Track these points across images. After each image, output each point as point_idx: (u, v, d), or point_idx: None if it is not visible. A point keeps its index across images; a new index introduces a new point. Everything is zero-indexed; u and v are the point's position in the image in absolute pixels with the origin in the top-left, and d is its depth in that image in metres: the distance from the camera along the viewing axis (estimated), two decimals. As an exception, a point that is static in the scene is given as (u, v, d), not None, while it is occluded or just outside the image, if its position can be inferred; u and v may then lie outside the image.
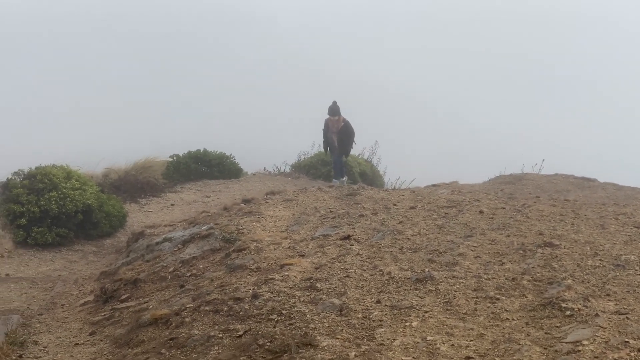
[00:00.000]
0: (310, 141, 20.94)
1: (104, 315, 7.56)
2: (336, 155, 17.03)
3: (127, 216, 13.59)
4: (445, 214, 8.96)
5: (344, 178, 16.99)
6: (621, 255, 6.50)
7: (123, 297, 7.92)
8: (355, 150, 20.95)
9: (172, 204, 14.94)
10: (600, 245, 6.96)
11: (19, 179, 12.53)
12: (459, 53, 51.08)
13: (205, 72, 45.80)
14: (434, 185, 13.98)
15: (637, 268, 6.10)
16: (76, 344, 6.83)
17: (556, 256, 6.56)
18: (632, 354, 4.26)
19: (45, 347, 6.79)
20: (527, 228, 7.90)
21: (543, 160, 17.74)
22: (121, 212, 13.35)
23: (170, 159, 17.76)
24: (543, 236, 7.40)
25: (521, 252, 6.85)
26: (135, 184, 15.62)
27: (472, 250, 7.03)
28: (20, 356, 6.46)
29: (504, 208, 9.24)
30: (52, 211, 11.95)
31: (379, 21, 54.76)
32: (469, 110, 42.85)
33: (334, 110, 16.36)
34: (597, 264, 6.29)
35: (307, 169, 19.55)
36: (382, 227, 8.36)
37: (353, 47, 51.31)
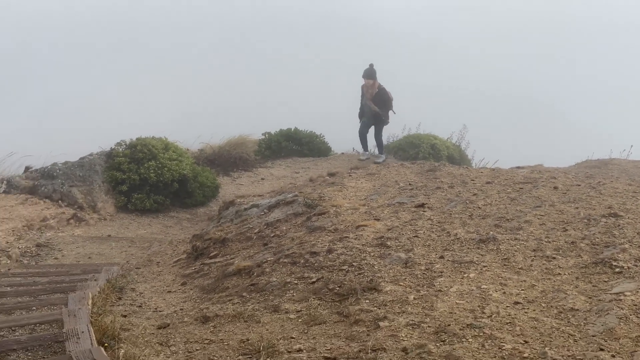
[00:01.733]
0: (401, 125, 21.30)
1: (194, 269, 8.26)
2: (365, 120, 16.05)
3: (220, 187, 14.40)
4: (520, 188, 9.25)
5: (384, 156, 16.37)
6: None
7: (212, 254, 8.60)
8: (444, 134, 21.23)
9: (262, 178, 15.67)
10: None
11: (121, 149, 13.51)
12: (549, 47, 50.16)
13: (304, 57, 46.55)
14: (517, 167, 14.16)
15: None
16: (168, 292, 7.54)
17: (619, 225, 6.82)
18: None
19: (141, 293, 7.52)
20: (598, 202, 8.13)
21: (631, 146, 17.57)
22: (214, 183, 14.16)
23: (263, 137, 18.53)
24: (611, 209, 7.64)
25: (586, 221, 7.14)
26: (229, 158, 16.44)
27: (538, 219, 7.37)
28: (119, 298, 7.21)
29: (579, 185, 9.45)
30: (151, 179, 12.85)
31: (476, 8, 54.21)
32: (562, 101, 42.10)
33: (369, 73, 15.19)
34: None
35: (395, 150, 19.92)
36: (456, 197, 8.76)
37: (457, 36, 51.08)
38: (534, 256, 6.11)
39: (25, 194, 12.50)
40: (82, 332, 5.05)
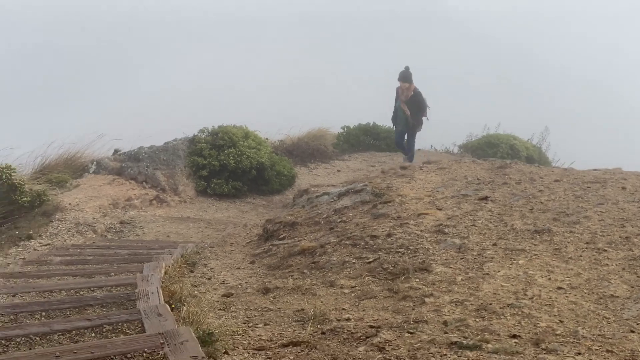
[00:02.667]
0: (482, 124, 21.36)
1: (264, 249, 8.69)
2: (400, 129, 14.94)
3: (296, 177, 14.86)
4: (587, 187, 9.33)
5: (407, 158, 14.93)
6: None
7: (281, 236, 9.02)
8: (524, 135, 21.16)
9: (338, 170, 16.07)
10: None
11: (203, 136, 14.15)
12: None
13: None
14: (593, 169, 14.09)
15: None
16: (237, 268, 7.99)
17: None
18: None
19: (212, 268, 7.99)
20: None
21: None
22: (291, 172, 14.63)
23: (342, 130, 18.92)
24: (676, 210, 7.70)
25: (646, 218, 7.24)
26: (307, 149, 16.91)
27: (598, 215, 7.50)
28: (191, 271, 7.70)
29: (651, 187, 9.46)
30: (230, 166, 13.41)
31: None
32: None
33: (405, 75, 14.30)
34: None
35: (473, 149, 20.00)
36: (521, 193, 8.93)
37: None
38: (586, 248, 6.28)
39: (112, 175, 13.25)
40: (152, 293, 5.53)
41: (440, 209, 8.14)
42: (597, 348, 4.11)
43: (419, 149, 18.93)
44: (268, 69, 42.86)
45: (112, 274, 6.80)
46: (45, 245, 9.48)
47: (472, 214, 7.79)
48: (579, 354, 4.02)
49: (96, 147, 14.42)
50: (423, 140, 20.15)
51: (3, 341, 4.37)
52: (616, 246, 6.28)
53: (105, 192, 12.41)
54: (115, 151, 14.44)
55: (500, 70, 43.94)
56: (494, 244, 6.53)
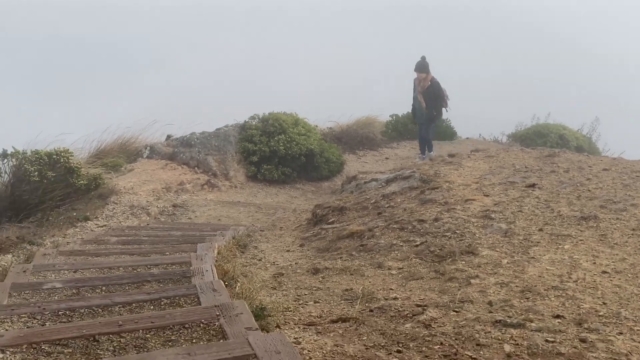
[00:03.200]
0: (530, 113, 21.26)
1: (313, 233, 8.89)
2: (422, 123, 14.64)
3: (345, 164, 15.04)
4: (636, 176, 9.30)
5: (432, 152, 14.47)
6: None
7: (330, 220, 9.21)
8: (574, 125, 20.99)
9: (386, 158, 16.21)
10: None
11: (254, 122, 14.42)
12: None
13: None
14: (645, 159, 13.97)
15: None
16: (287, 251, 8.20)
17: None
18: None
19: (262, 251, 8.22)
20: None
21: None
22: (339, 159, 14.81)
23: (390, 119, 19.03)
24: None
25: (694, 207, 7.25)
26: (355, 137, 17.07)
27: (646, 203, 7.52)
28: (242, 252, 7.95)
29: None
30: (280, 152, 13.66)
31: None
32: None
33: (421, 66, 13.90)
34: None
35: (522, 139, 19.91)
36: (569, 180, 8.96)
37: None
38: (632, 234, 6.35)
39: (165, 160, 13.60)
40: (206, 270, 5.77)
41: (487, 195, 8.24)
42: (638, 329, 4.22)
43: (467, 138, 18.97)
44: (319, 57, 43.10)
45: (167, 253, 7.07)
46: (102, 226, 9.83)
47: (519, 200, 7.88)
48: (621, 333, 4.13)
49: (149, 133, 14.83)
50: (471, 129, 20.19)
51: (68, 312, 4.64)
52: (663, 233, 6.33)
53: (159, 177, 12.75)
54: (168, 137, 14.81)
55: (548, 60, 43.40)
56: (540, 229, 6.63)
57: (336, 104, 23.69)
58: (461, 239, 6.53)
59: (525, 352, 3.87)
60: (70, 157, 11.32)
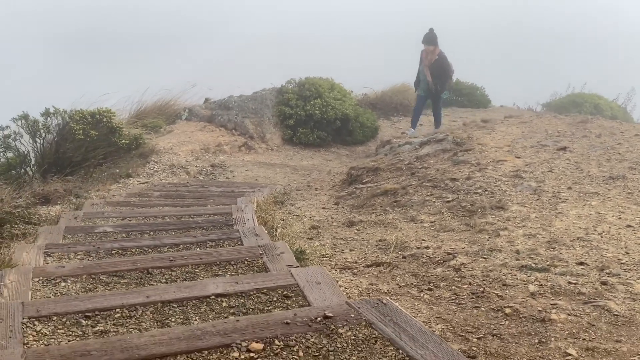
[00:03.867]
0: (565, 83, 21.24)
1: (347, 192, 9.16)
2: (422, 95, 14.21)
3: (379, 129, 15.25)
4: (668, 141, 9.45)
5: (441, 126, 14.04)
6: None
7: (364, 180, 9.47)
8: (610, 95, 20.95)
9: (420, 124, 16.33)
10: None
11: (290, 86, 14.68)
12: None
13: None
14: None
15: None
16: (322, 208, 8.49)
17: None
18: None
19: (299, 207, 8.52)
20: None
21: None
22: (374, 124, 15.03)
23: (425, 86, 19.18)
24: None
25: None
26: (390, 103, 17.26)
27: (674, 165, 7.69)
28: (280, 208, 8.26)
29: None
30: (315, 116, 13.90)
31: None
32: None
33: (429, 38, 13.52)
34: None
35: (556, 108, 19.91)
36: (600, 144, 9.12)
37: None
38: (659, 193, 6.54)
39: (204, 122, 13.94)
40: (248, 219, 6.11)
41: (518, 157, 8.44)
42: (658, 275, 4.45)
43: (501, 106, 19.04)
44: (353, 23, 43.23)
45: (209, 205, 7.40)
46: (143, 183, 10.19)
47: (549, 162, 8.07)
48: (641, 278, 4.37)
49: (188, 96, 15.17)
50: (506, 98, 20.25)
51: (120, 251, 5.00)
52: (689, 193, 6.51)
53: (197, 138, 13.09)
54: (206, 100, 15.13)
55: (586, 29, 42.96)
56: (569, 188, 6.85)
57: (371, 73, 23.76)
58: (492, 195, 6.77)
59: (549, 291, 4.13)
60: (112, 117, 11.72)
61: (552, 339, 3.47)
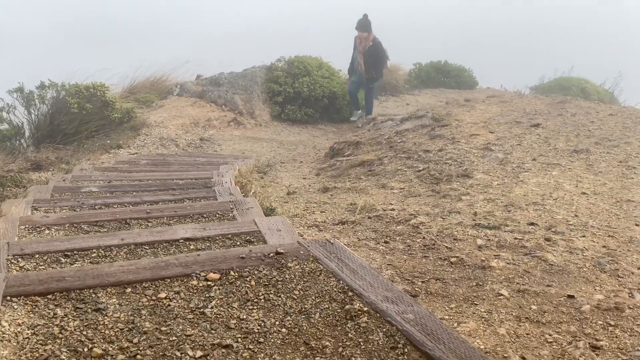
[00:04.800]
0: (553, 67, 21.55)
1: (329, 164, 9.50)
2: (355, 80, 14.01)
3: (365, 107, 15.57)
4: (637, 122, 9.78)
5: (371, 115, 13.91)
6: None
7: (346, 153, 9.81)
8: (597, 79, 21.26)
9: (407, 104, 16.66)
10: None
11: (280, 64, 14.95)
12: None
13: None
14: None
15: None
16: (303, 178, 8.83)
17: None
18: None
19: (281, 177, 8.85)
20: None
21: None
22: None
23: (414, 67, 19.47)
24: None
25: (683, 146, 7.75)
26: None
27: (638, 142, 8.03)
28: (262, 177, 8.60)
29: (702, 122, 9.84)
30: (304, 93, 14.19)
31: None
32: None
33: (363, 24, 13.31)
34: None
35: (544, 91, 20.19)
36: (572, 122, 9.47)
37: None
38: (617, 165, 6.89)
39: (194, 98, 14.23)
40: (226, 182, 6.45)
41: (492, 132, 8.78)
42: (600, 234, 4.81)
43: (488, 87, 19.33)
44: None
45: (192, 171, 7.74)
46: (133, 154, 10.51)
47: (520, 136, 8.42)
48: (583, 236, 4.73)
49: (180, 72, 15.45)
50: (493, 79, 20.56)
51: (103, 206, 5.34)
52: (646, 165, 6.87)
53: (187, 113, 13.40)
54: (198, 76, 15.42)
55: (579, 15, 43.32)
56: (534, 159, 7.20)
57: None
58: (460, 165, 7.12)
59: (495, 245, 4.49)
60: (106, 92, 12.01)
61: (489, 282, 3.83)
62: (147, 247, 3.86)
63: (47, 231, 4.44)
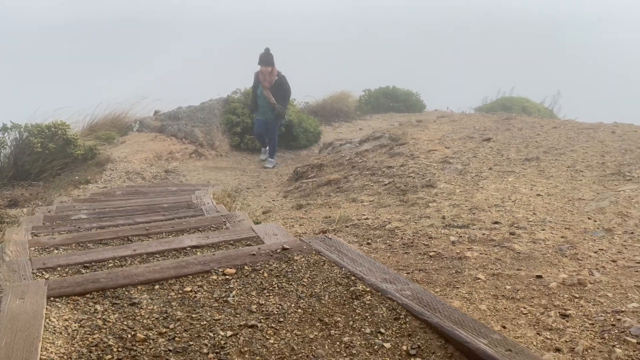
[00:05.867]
0: (496, 88, 22.46)
1: (294, 186, 9.96)
2: (261, 118, 13.31)
3: (321, 134, 16.09)
4: (580, 131, 10.49)
5: (274, 160, 13.64)
6: None
7: (310, 175, 10.29)
8: (538, 98, 22.27)
9: (360, 128, 17.28)
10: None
11: (236, 96, 15.44)
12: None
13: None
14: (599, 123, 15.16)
15: None
16: (272, 200, 9.26)
17: (650, 154, 8.09)
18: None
19: (250, 201, 9.30)
20: (645, 142, 9.34)
21: None
22: (316, 129, 15.87)
23: (363, 93, 20.15)
24: (652, 145, 8.86)
25: (623, 151, 8.42)
26: (330, 110, 18.15)
27: (583, 149, 8.69)
28: (233, 201, 9.01)
29: (636, 132, 10.60)
30: (261, 123, 14.68)
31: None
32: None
33: (266, 58, 12.62)
34: (679, 159, 7.78)
35: (487, 111, 21.01)
36: (520, 135, 10.13)
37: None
38: (566, 170, 7.51)
39: (155, 132, 14.61)
40: (207, 202, 6.86)
41: (447, 148, 9.37)
42: (558, 227, 5.36)
43: (436, 109, 20.09)
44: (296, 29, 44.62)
45: (170, 197, 8.11)
46: (102, 187, 10.81)
47: (474, 150, 9.02)
48: (543, 230, 5.27)
49: (139, 108, 15.85)
50: (439, 102, 21.39)
51: (99, 229, 5.69)
52: (592, 169, 7.49)
53: (149, 147, 13.75)
54: (156, 112, 15.80)
55: (515, 37, 44.96)
56: (490, 169, 7.78)
57: (310, 82, 24.75)
58: (423, 177, 7.65)
59: (466, 240, 5.00)
60: (67, 130, 12.34)
61: (466, 269, 4.32)
62: (158, 256, 4.25)
63: (55, 251, 4.79)
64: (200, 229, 5.14)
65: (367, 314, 3.25)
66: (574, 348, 3.35)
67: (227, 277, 3.59)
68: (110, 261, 4.17)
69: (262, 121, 13.31)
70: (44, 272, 4.01)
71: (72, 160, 12.26)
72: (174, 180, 11.94)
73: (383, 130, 12.24)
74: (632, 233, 5.16)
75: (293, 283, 3.55)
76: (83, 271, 4.06)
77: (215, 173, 12.70)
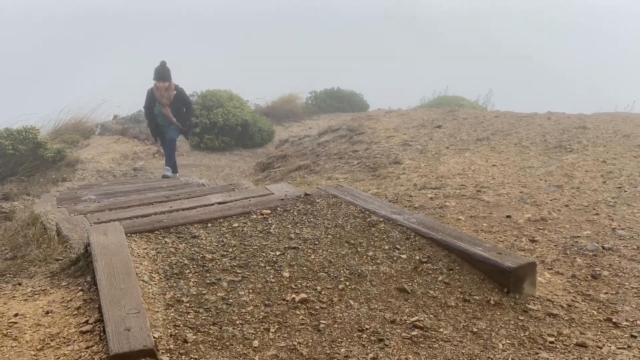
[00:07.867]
0: (431, 89, 23.65)
1: (264, 175, 10.74)
2: (170, 137, 11.30)
3: (275, 133, 16.91)
4: (520, 119, 11.56)
5: (177, 174, 11.21)
6: (632, 133, 9.05)
7: (276, 165, 11.08)
8: (471, 96, 23.59)
9: (309, 127, 18.15)
10: (619, 129, 9.50)
11: (194, 98, 16.12)
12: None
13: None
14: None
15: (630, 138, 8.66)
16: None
17: (584, 132, 9.17)
18: (597, 166, 7.01)
19: (225, 189, 10.03)
20: (577, 123, 10.44)
21: (634, 101, 19.53)
22: (270, 128, 16.68)
23: (310, 95, 21.06)
24: (584, 128, 9.95)
25: (561, 130, 9.49)
26: (281, 111, 19.00)
27: (525, 131, 9.73)
28: (211, 188, 9.74)
29: (569, 117, 11.75)
30: (219, 123, 15.40)
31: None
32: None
33: (163, 73, 10.96)
34: (610, 137, 8.87)
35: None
36: (467, 123, 11.14)
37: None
38: (514, 146, 8.53)
39: (117, 135, 15.20)
40: (203, 180, 7.59)
41: (404, 134, 10.31)
42: (516, 186, 6.32)
43: (379, 109, 21.11)
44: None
45: (162, 182, 8.80)
46: (81, 184, 11.40)
47: (429, 135, 9.98)
48: (504, 188, 6.22)
49: (100, 112, 16.41)
50: (381, 103, 22.43)
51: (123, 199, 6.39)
52: (537, 145, 8.53)
53: (114, 149, 14.34)
54: (115, 116, 16.39)
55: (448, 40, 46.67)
56: (447, 147, 8.74)
57: (259, 86, 25.65)
58: (388, 157, 8.56)
59: (442, 196, 5.91)
60: (37, 133, 12.85)
61: (448, 214, 5.22)
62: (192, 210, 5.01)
63: (90, 214, 5.49)
64: (217, 192, 5.91)
65: (383, 237, 4.11)
66: (544, 260, 4.28)
67: (264, 216, 4.40)
68: (152, 215, 4.91)
69: (172, 140, 11.43)
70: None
71: (42, 162, 12.75)
72: (143, 177, 12.57)
73: (339, 124, 13.12)
74: (578, 188, 6.16)
75: (319, 218, 4.38)
76: (130, 224, 4.79)
77: (180, 170, 13.35)
